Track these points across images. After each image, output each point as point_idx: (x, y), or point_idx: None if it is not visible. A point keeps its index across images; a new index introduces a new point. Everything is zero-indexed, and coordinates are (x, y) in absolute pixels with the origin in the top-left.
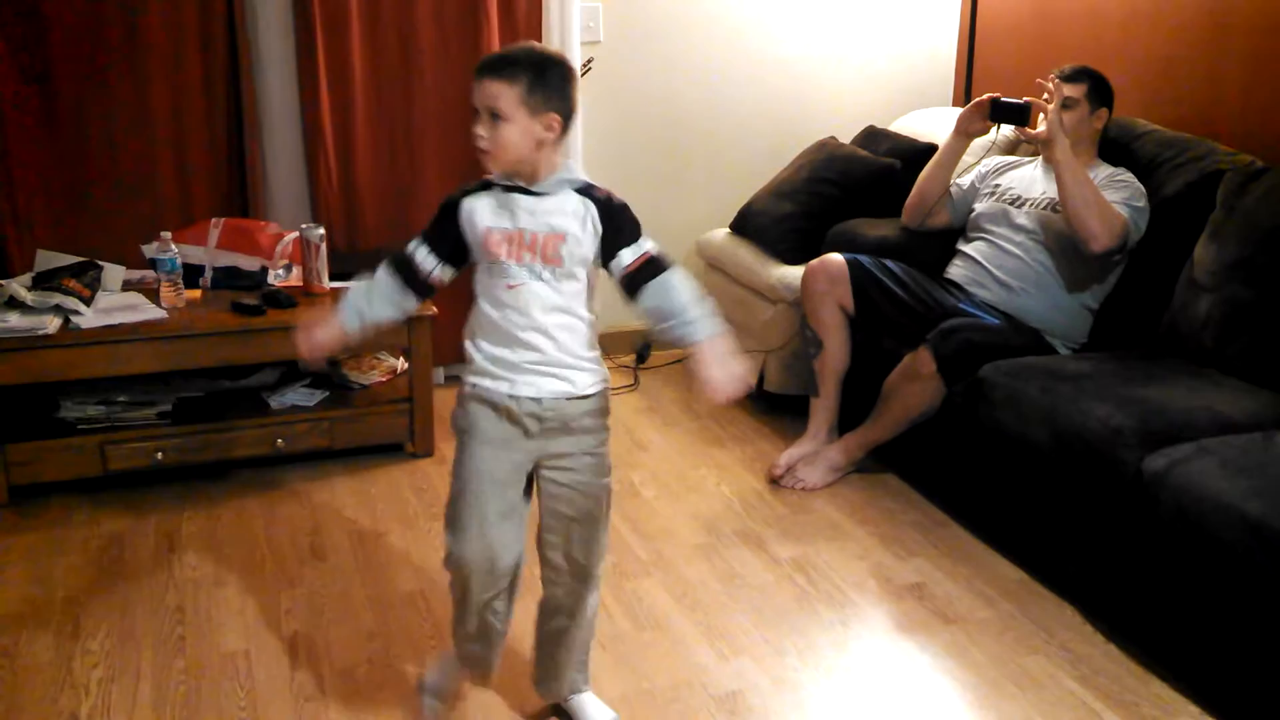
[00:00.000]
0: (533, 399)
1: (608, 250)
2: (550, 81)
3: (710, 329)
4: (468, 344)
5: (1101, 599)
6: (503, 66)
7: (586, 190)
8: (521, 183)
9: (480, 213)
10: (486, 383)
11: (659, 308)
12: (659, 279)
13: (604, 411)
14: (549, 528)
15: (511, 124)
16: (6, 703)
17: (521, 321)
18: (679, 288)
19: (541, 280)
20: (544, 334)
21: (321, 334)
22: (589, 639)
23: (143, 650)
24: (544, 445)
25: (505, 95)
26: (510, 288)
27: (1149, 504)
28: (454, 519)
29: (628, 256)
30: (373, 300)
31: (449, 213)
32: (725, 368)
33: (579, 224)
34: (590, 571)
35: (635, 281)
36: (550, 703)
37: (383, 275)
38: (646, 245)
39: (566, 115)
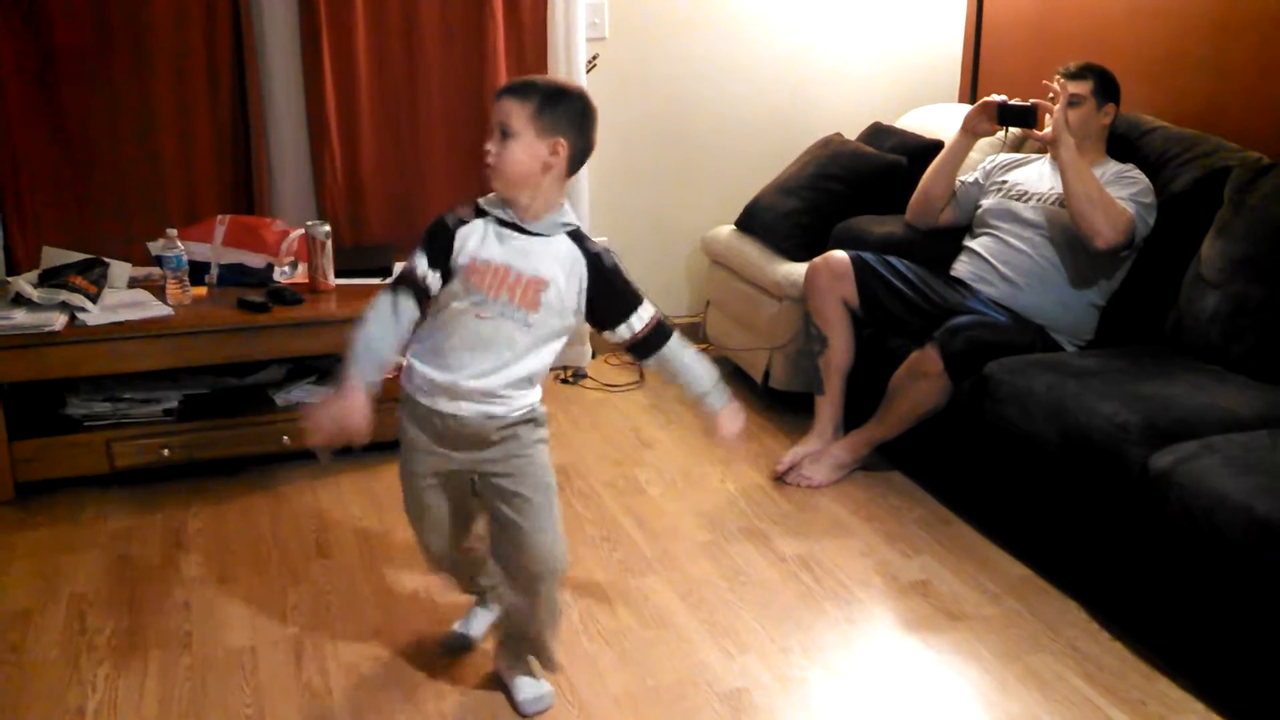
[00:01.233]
0: (453, 415)
1: (602, 313)
2: (563, 108)
3: (724, 399)
4: (409, 353)
5: (1108, 596)
6: (519, 87)
7: (578, 238)
8: (516, 217)
9: (472, 240)
10: (420, 397)
11: (672, 374)
12: (669, 348)
13: (539, 418)
14: (493, 531)
15: (518, 141)
16: (14, 698)
17: (475, 353)
18: (691, 360)
19: (511, 320)
20: (492, 373)
21: (358, 415)
22: (541, 632)
23: (149, 647)
24: (473, 456)
25: (516, 112)
26: (479, 318)
27: (1155, 501)
28: (409, 514)
29: (636, 324)
30: (380, 339)
31: (443, 230)
32: (737, 423)
33: (564, 273)
34: (535, 573)
35: (645, 348)
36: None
37: (381, 304)
38: (651, 311)
39: (579, 150)
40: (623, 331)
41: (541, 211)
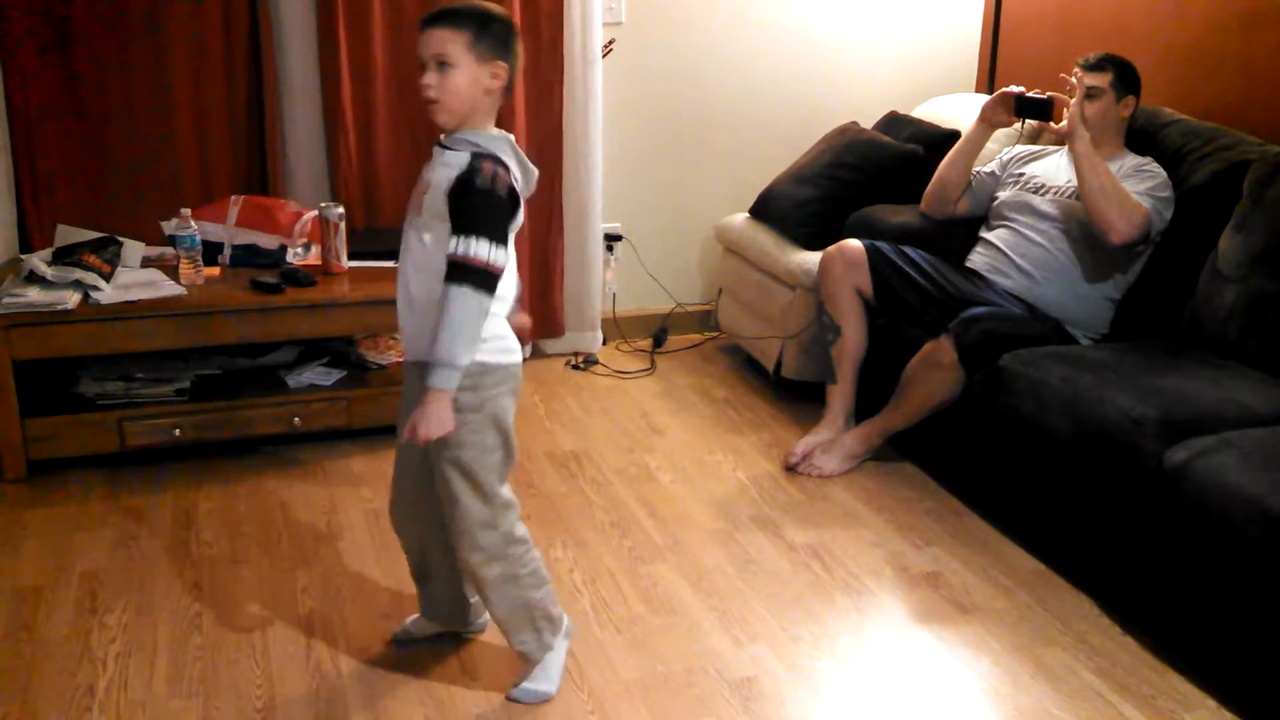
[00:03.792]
0: (412, 369)
1: (453, 226)
2: (495, 31)
3: (439, 383)
4: None
5: (1120, 591)
6: (448, 16)
7: (478, 155)
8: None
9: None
10: None
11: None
12: (445, 289)
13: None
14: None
15: (459, 70)
16: (25, 676)
17: (399, 276)
18: (442, 322)
19: (411, 229)
20: (405, 290)
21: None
22: (510, 612)
23: (159, 626)
24: (419, 399)
25: (452, 42)
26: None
27: (1169, 496)
28: None
29: (453, 246)
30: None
31: None
32: (423, 424)
33: (446, 180)
34: (452, 529)
35: (446, 276)
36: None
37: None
38: (466, 248)
39: (511, 69)
40: (450, 246)
41: (464, 131)
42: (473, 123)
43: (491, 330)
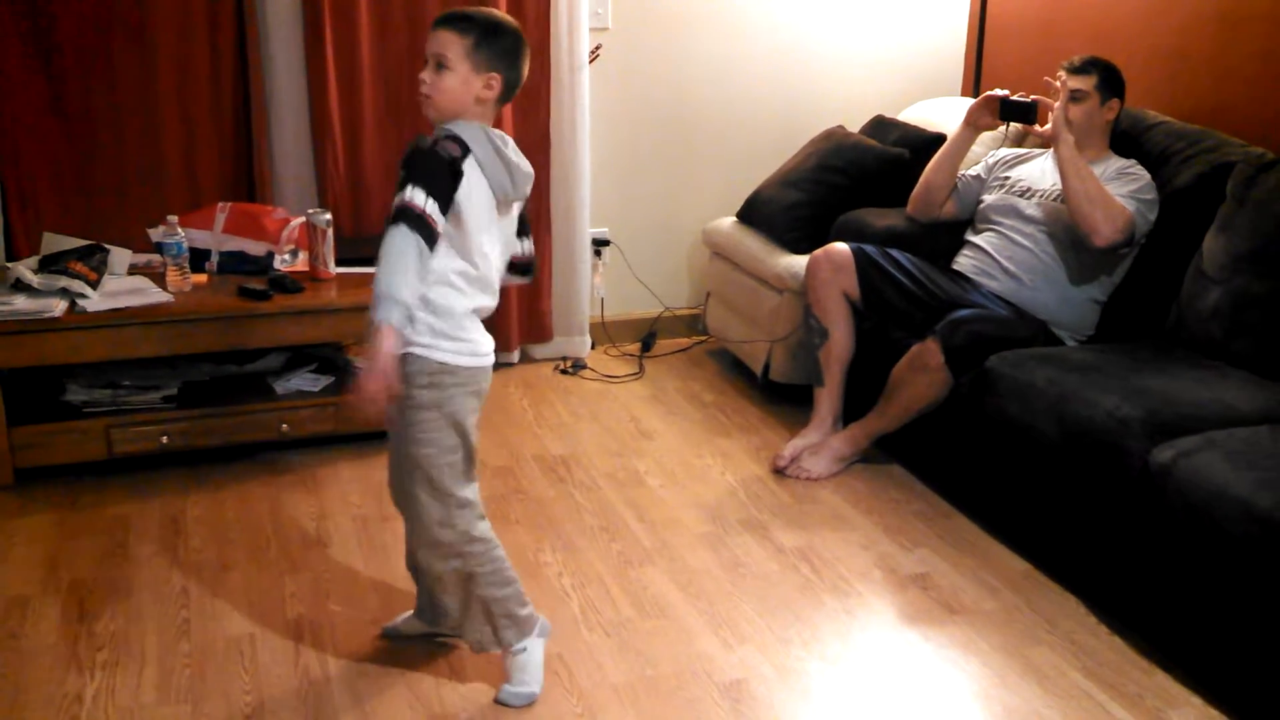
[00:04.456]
0: None
1: (397, 186)
2: (500, 43)
3: (381, 317)
4: None
5: (1107, 591)
6: (458, 19)
7: (441, 134)
8: None
9: None
10: None
11: None
12: (386, 228)
13: (408, 378)
14: None
15: (453, 73)
16: (12, 684)
17: None
18: (384, 246)
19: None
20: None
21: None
22: (464, 605)
23: (147, 633)
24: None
25: (454, 45)
26: None
27: (1156, 496)
28: None
29: (395, 198)
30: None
31: None
32: (367, 372)
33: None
34: (409, 526)
35: (387, 218)
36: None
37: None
38: (402, 196)
39: (509, 83)
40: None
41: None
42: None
43: (463, 332)
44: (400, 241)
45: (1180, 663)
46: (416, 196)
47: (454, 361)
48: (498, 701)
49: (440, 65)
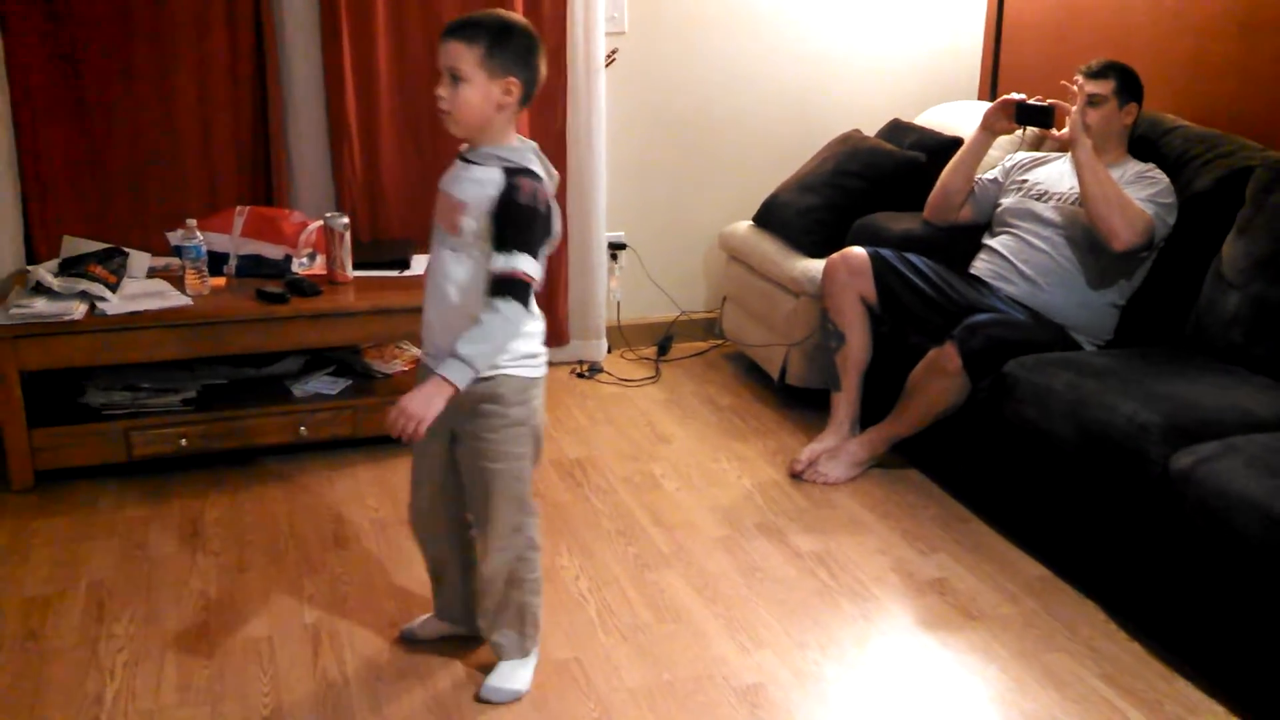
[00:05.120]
0: (429, 359)
1: (495, 239)
2: (511, 46)
3: (453, 371)
4: None
5: (1126, 596)
6: (464, 28)
7: (512, 171)
8: (466, 149)
9: (445, 178)
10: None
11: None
12: (491, 302)
13: (502, 399)
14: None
15: (471, 85)
16: (33, 685)
17: (430, 287)
18: (482, 323)
19: (446, 248)
20: (443, 303)
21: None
22: (501, 606)
23: (166, 635)
24: (454, 415)
25: (465, 56)
26: (432, 250)
27: (1175, 501)
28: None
29: (498, 262)
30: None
31: None
32: (416, 397)
33: (483, 198)
34: (484, 533)
35: (490, 290)
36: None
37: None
38: (511, 264)
39: (528, 83)
40: (492, 261)
41: (485, 144)
42: (491, 135)
43: (537, 347)
44: (505, 320)
45: (1200, 669)
46: (525, 265)
47: (532, 375)
48: (480, 699)
49: (455, 78)
